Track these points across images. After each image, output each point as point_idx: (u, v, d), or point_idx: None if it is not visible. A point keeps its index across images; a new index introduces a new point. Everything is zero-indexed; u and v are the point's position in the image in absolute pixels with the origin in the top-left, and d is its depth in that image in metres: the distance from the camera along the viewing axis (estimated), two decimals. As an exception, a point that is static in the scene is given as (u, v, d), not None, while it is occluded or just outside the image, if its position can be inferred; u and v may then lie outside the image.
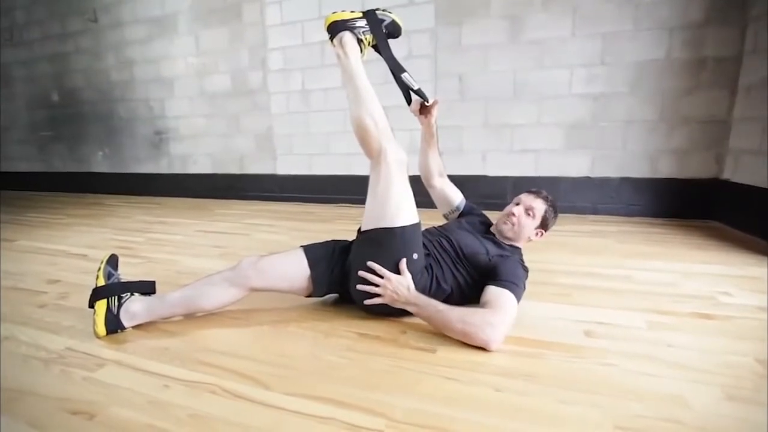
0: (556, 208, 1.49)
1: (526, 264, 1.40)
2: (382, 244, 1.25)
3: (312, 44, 3.41)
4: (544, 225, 1.46)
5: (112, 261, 1.37)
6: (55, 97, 4.75)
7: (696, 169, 2.64)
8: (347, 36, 1.34)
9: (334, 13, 1.36)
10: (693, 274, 1.68)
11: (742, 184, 2.36)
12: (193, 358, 1.10)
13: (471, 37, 2.96)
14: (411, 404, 0.90)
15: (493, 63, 2.94)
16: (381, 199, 1.25)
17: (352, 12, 1.36)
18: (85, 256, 2.12)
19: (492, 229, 1.53)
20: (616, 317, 1.30)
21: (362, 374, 1.02)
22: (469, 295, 1.35)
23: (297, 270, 1.32)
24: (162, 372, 1.04)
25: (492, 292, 1.20)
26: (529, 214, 1.44)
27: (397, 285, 1.22)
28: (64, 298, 1.54)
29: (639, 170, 2.75)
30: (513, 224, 1.44)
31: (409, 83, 1.38)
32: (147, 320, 1.28)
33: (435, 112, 1.57)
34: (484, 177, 3.08)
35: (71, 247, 2.31)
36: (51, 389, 0.98)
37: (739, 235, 2.26)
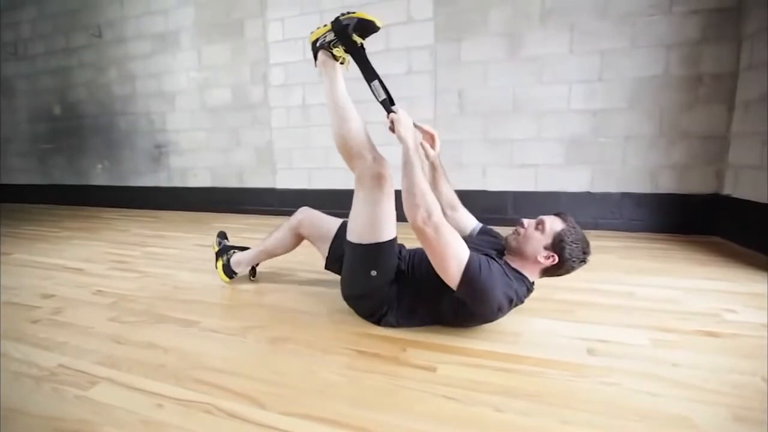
0: (580, 238, 1.23)
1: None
2: (348, 254, 1.38)
3: (312, 60, 3.43)
4: (556, 247, 1.21)
5: (222, 234, 2.01)
6: (56, 110, 4.78)
7: (697, 184, 2.64)
8: (320, 56, 1.37)
9: (312, 32, 1.38)
10: (696, 291, 1.66)
11: (743, 200, 2.36)
12: (189, 376, 1.08)
13: (470, 53, 2.99)
14: (410, 424, 0.88)
15: (492, 78, 2.96)
16: (354, 215, 1.35)
17: (325, 26, 1.35)
18: (80, 270, 2.10)
19: (505, 252, 1.35)
20: (619, 335, 1.28)
21: (361, 393, 1.00)
22: (457, 315, 1.27)
23: (327, 232, 1.57)
24: (156, 390, 1.02)
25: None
26: (538, 228, 1.25)
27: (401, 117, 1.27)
28: (59, 314, 1.52)
29: (639, 185, 2.75)
30: (519, 234, 1.29)
31: (375, 93, 1.31)
32: (248, 266, 1.84)
33: (437, 147, 1.54)
34: (485, 192, 3.08)
35: (67, 260, 2.29)
36: (42, 408, 0.95)
37: (741, 250, 2.25)
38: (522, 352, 1.18)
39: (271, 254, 1.78)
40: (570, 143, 2.86)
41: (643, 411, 0.91)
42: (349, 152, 1.33)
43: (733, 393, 0.97)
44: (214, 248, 1.95)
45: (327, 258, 1.57)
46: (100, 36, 4.33)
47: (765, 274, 1.84)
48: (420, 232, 1.14)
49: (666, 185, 2.70)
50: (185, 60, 3.98)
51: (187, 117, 4.07)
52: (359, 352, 1.20)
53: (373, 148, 1.33)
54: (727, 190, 2.52)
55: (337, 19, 1.32)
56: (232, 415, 0.92)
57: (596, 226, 2.85)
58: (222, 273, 1.85)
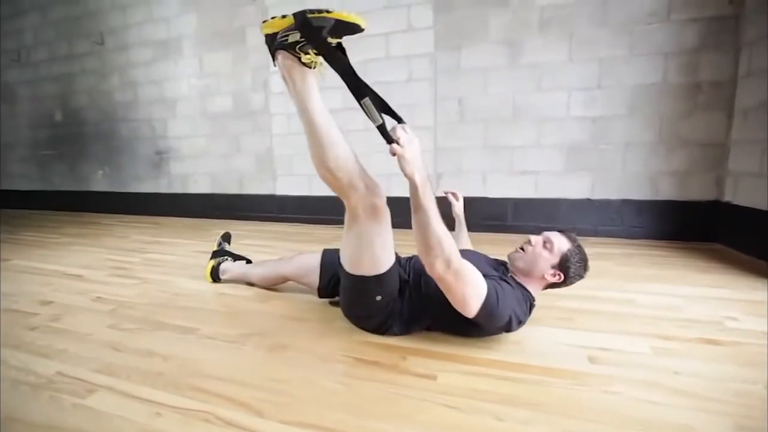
0: (583, 257, 1.29)
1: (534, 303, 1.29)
2: (346, 284, 1.31)
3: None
4: (563, 267, 1.26)
5: (226, 236, 2.10)
6: (58, 117, 4.79)
7: (697, 191, 2.64)
8: (281, 58, 1.03)
9: (265, 22, 1.01)
10: (697, 298, 1.66)
11: (743, 207, 2.36)
12: (188, 384, 1.07)
13: (470, 61, 3.00)
14: (411, 434, 0.87)
15: (492, 86, 2.98)
16: (349, 248, 1.26)
17: (283, 17, 0.98)
18: (80, 276, 2.10)
19: (509, 266, 1.37)
20: (621, 342, 1.28)
21: (360, 401, 0.99)
22: (465, 327, 1.26)
23: (311, 264, 1.59)
24: (155, 399, 1.01)
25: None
26: (546, 247, 1.27)
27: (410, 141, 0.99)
28: (57, 320, 1.51)
29: (640, 192, 2.75)
30: (525, 252, 1.30)
31: (369, 114, 0.97)
32: (232, 279, 1.88)
33: (461, 201, 1.66)
34: (485, 198, 3.08)
35: (66, 267, 2.28)
36: (38, 416, 0.95)
37: (742, 257, 2.25)
38: (523, 360, 1.17)
39: (251, 284, 1.86)
40: (570, 150, 2.86)
41: (646, 420, 0.90)
42: (337, 184, 1.14)
43: (735, 402, 0.97)
44: (214, 246, 2.05)
45: (319, 288, 1.58)
46: (102, 43, 4.35)
47: (766, 281, 1.84)
48: (440, 280, 1.07)
49: (666, 192, 2.70)
50: (187, 67, 4.00)
51: (188, 123, 4.09)
52: (359, 360, 1.20)
53: (364, 174, 1.15)
54: (727, 197, 2.52)
55: (304, 15, 0.95)
56: (231, 424, 0.91)
57: (596, 233, 2.84)
58: (208, 273, 1.93)
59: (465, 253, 1.36)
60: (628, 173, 2.76)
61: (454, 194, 1.65)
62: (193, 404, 0.98)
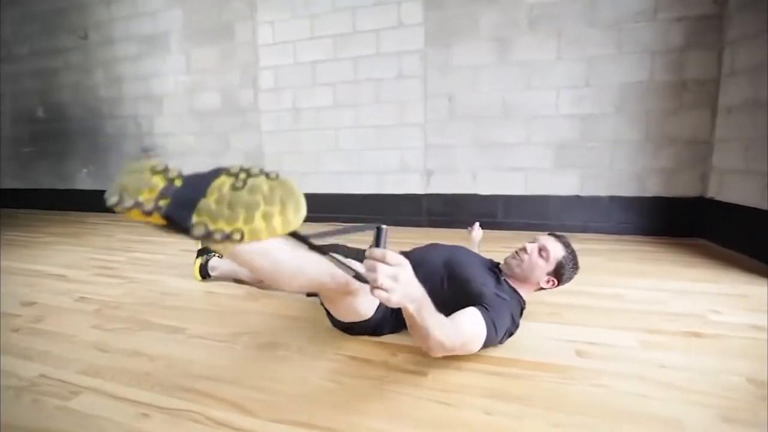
0: (576, 261, 1.34)
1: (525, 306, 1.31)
2: (332, 318, 1.30)
3: (303, 63, 3.43)
4: (557, 273, 1.31)
5: None
6: (40, 113, 4.69)
7: (683, 187, 2.68)
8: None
9: (116, 205, 0.57)
10: (683, 293, 1.68)
11: (726, 203, 2.40)
12: (176, 384, 1.06)
13: (460, 58, 3.01)
14: (401, 429, 0.87)
15: (482, 83, 2.99)
16: (331, 310, 1.25)
17: (148, 215, 0.59)
18: (63, 276, 2.05)
19: (501, 266, 1.40)
20: (608, 337, 1.29)
21: (351, 399, 0.99)
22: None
23: None
24: (141, 399, 0.99)
25: (467, 312, 1.09)
26: (542, 255, 1.30)
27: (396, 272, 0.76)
28: (40, 322, 1.48)
29: (627, 189, 2.79)
30: (522, 260, 1.31)
31: (339, 266, 0.77)
32: (222, 275, 1.86)
33: (480, 232, 1.77)
34: (475, 195, 3.09)
35: (50, 267, 2.23)
36: (22, 420, 0.92)
37: (726, 252, 2.29)
38: (511, 355, 1.18)
39: (240, 280, 1.84)
40: (559, 148, 2.89)
41: (633, 413, 0.92)
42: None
43: (721, 394, 0.98)
44: (197, 245, 1.99)
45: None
46: (86, 38, 4.27)
47: (749, 275, 1.88)
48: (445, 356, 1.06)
49: (653, 189, 2.74)
50: (173, 63, 3.94)
51: (175, 121, 4.03)
52: (349, 357, 1.19)
53: (334, 274, 1.04)
54: (712, 194, 2.57)
55: (190, 234, 0.59)
56: (221, 424, 0.90)
57: (585, 230, 2.87)
58: (197, 271, 1.91)
59: (462, 253, 1.39)
60: (616, 170, 2.80)
61: (477, 226, 1.84)
62: (181, 404, 0.97)
